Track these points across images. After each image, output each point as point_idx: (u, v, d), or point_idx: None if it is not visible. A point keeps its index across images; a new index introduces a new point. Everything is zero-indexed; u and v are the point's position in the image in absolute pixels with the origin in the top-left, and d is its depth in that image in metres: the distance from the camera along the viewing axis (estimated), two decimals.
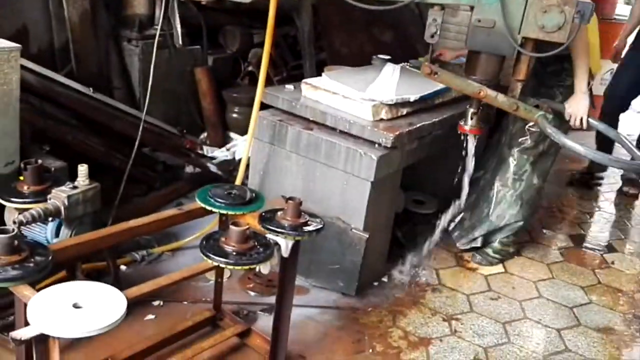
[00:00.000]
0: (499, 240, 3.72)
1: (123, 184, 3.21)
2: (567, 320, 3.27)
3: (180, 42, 3.53)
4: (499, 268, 3.72)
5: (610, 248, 4.18)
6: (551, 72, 3.43)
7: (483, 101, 2.78)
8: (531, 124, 3.33)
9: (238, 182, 3.34)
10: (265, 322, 2.85)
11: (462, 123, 2.91)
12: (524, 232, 3.96)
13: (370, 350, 2.82)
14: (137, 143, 3.24)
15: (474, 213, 3.79)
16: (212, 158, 4.28)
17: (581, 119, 3.19)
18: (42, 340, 1.67)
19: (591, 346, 3.07)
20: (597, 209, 4.84)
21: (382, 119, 3.07)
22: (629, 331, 3.23)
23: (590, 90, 3.29)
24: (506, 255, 3.79)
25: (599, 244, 4.22)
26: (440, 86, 3.43)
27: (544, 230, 4.29)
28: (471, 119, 2.87)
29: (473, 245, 3.77)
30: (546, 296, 3.48)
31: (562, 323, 3.24)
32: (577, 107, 3.20)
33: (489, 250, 3.74)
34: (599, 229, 4.48)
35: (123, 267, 3.13)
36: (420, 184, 4.13)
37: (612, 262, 3.97)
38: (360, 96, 3.06)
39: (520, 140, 3.52)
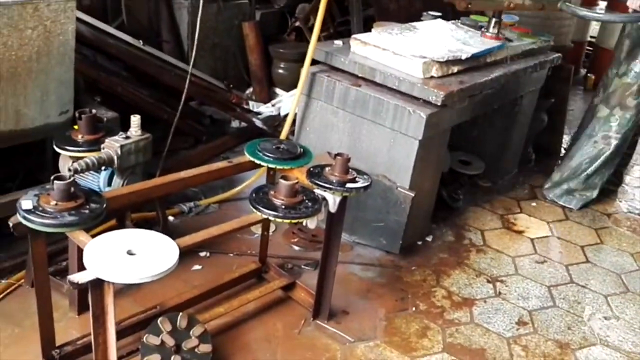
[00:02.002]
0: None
1: (170, 136, 3.24)
2: (614, 287, 3.21)
3: None
4: (545, 231, 3.66)
5: None
6: None
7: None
8: (630, 83, 3.59)
9: (283, 136, 3.35)
10: (309, 277, 2.88)
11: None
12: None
13: (414, 309, 2.83)
14: (184, 96, 3.25)
15: (567, 166, 3.92)
16: (258, 113, 4.29)
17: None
18: (98, 284, 1.73)
19: (639, 314, 3.02)
20: None
21: (432, 77, 3.01)
22: None
23: None
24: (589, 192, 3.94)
25: None
26: (492, 44, 3.35)
27: None
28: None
29: (565, 199, 3.94)
30: (593, 261, 3.42)
31: (610, 289, 3.19)
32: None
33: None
34: None
35: (171, 218, 3.20)
36: (466, 144, 4.07)
37: None
38: (411, 53, 3.00)
39: (619, 99, 3.65)
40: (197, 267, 2.89)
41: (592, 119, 3.85)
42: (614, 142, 3.76)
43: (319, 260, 2.58)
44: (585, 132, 3.89)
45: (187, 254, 2.83)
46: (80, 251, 1.82)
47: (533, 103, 4.03)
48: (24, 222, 1.82)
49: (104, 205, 1.93)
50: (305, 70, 3.18)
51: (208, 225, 2.22)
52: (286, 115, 4.11)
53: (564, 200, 3.95)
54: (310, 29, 4.78)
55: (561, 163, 4.06)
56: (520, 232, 3.63)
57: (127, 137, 2.40)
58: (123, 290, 2.57)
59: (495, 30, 3.44)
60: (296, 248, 3.16)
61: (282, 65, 4.68)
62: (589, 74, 6.57)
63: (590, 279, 3.25)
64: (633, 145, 4.11)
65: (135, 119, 2.44)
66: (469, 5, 3.25)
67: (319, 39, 4.55)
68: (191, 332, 2.20)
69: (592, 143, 3.82)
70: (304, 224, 2.29)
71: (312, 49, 3.18)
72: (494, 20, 3.43)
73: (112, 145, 2.35)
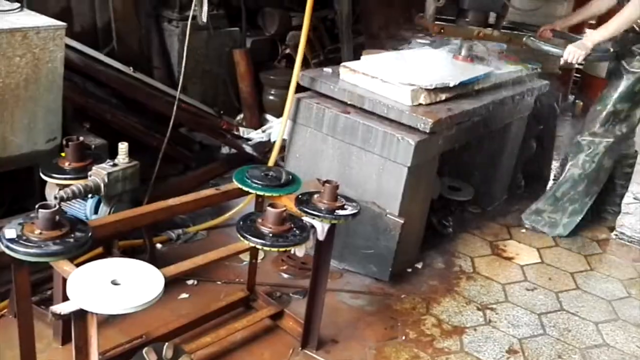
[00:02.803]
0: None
1: (158, 163, 3.22)
2: (605, 314, 3.20)
3: (204, 19, 3.54)
4: (535, 258, 3.66)
5: None
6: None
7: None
8: (599, 110, 3.65)
9: (271, 163, 3.34)
10: (298, 305, 2.86)
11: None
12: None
13: (403, 337, 2.80)
14: (171, 122, 3.22)
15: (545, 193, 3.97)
16: (248, 139, 4.28)
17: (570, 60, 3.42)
18: (81, 315, 1.70)
19: (630, 341, 3.00)
20: (635, 200, 4.70)
21: (420, 104, 3.02)
22: None
23: None
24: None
25: (636, 237, 4.10)
26: (480, 72, 3.38)
27: None
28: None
29: (534, 224, 3.93)
30: (583, 288, 3.41)
31: (600, 316, 3.17)
32: (574, 51, 3.35)
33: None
34: (637, 221, 4.35)
35: (159, 245, 3.17)
36: (456, 171, 4.08)
37: None
38: (399, 80, 3.02)
39: (590, 125, 3.69)
40: (184, 295, 2.86)
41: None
42: (583, 165, 3.74)
43: (308, 288, 2.55)
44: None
45: (174, 282, 2.79)
46: (64, 281, 1.79)
47: (521, 130, 4.05)
48: (7, 251, 1.79)
49: (89, 234, 1.91)
50: (290, 96, 3.20)
51: (196, 253, 2.21)
52: (274, 142, 4.13)
53: (531, 221, 3.94)
54: None
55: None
56: (510, 259, 3.62)
57: (115, 165, 2.38)
58: (108, 320, 2.53)
59: (466, 54, 3.53)
60: (285, 276, 3.14)
61: (272, 92, 4.70)
62: (577, 101, 6.64)
63: (580, 306, 3.24)
64: (625, 176, 4.09)
65: (122, 147, 2.43)
66: (442, 31, 3.49)
67: (309, 66, 4.61)
68: None
69: (565, 167, 3.86)
70: (292, 252, 2.28)
71: (296, 75, 3.22)
72: (465, 44, 3.55)
73: (99, 173, 2.33)
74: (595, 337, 3.00)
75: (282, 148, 3.37)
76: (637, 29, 3.43)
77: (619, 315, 3.21)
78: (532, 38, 3.63)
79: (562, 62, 3.56)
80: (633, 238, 4.07)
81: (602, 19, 3.76)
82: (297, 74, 3.22)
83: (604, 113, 3.63)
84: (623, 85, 3.55)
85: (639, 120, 3.71)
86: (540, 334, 2.97)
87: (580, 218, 3.88)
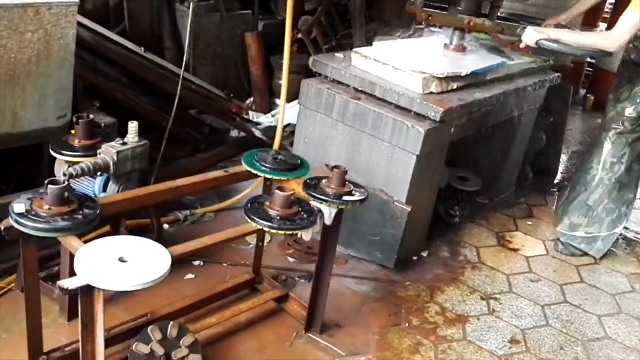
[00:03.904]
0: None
1: (164, 143, 3.20)
2: (608, 308, 3.20)
3: None
4: (541, 250, 3.65)
5: None
6: None
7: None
8: (626, 108, 3.46)
9: (276, 147, 3.34)
10: (303, 289, 2.87)
11: None
12: None
13: (407, 324, 2.81)
14: (176, 100, 3.18)
15: (569, 197, 3.73)
16: (258, 123, 4.28)
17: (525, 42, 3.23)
18: (88, 291, 1.72)
19: (632, 335, 3.00)
20: None
21: (432, 92, 3.01)
22: None
23: None
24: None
25: None
26: (493, 62, 3.35)
27: None
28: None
29: (570, 241, 3.64)
30: (588, 282, 3.41)
31: (604, 310, 3.17)
32: (531, 32, 3.16)
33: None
34: None
35: (166, 226, 3.18)
36: (465, 161, 4.07)
37: None
38: (411, 68, 3.00)
39: (615, 125, 3.51)
40: (190, 276, 2.88)
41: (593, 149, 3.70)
42: (612, 169, 3.53)
43: (314, 272, 2.56)
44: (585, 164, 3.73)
45: (180, 263, 2.81)
46: (72, 257, 1.80)
47: (532, 122, 4.03)
48: (16, 225, 1.80)
49: (98, 212, 1.92)
50: (285, 79, 3.29)
51: (203, 235, 2.21)
52: (286, 126, 4.12)
53: (567, 238, 3.64)
54: (313, 41, 4.80)
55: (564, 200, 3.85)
56: (515, 250, 3.61)
57: (124, 144, 2.39)
58: (114, 298, 2.55)
59: (459, 44, 3.36)
60: (291, 260, 3.14)
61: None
62: (588, 95, 6.59)
63: (584, 299, 3.24)
64: None
65: (132, 126, 2.43)
66: (430, 18, 3.29)
67: (321, 52, 4.59)
68: (181, 342, 2.18)
69: (587, 169, 3.65)
70: (299, 235, 2.28)
71: (287, 58, 3.35)
72: (457, 33, 3.36)
73: (108, 151, 2.34)
74: (598, 330, 3.01)
75: (292, 133, 3.36)
76: None
77: (623, 309, 3.21)
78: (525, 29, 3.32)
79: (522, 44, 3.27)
80: (639, 233, 4.05)
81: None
82: (288, 56, 3.32)
83: (636, 112, 3.44)
84: None
85: None
86: (543, 325, 2.97)
87: (620, 231, 3.69)
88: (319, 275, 2.53)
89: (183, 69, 3.30)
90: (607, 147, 3.55)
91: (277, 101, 4.71)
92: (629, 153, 3.53)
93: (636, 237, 4.00)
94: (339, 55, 3.34)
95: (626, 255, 3.76)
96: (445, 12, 3.49)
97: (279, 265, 3.07)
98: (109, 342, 2.02)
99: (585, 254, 3.61)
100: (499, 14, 3.68)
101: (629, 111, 3.45)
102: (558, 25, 3.60)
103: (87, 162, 2.29)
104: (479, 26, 3.32)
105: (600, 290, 3.35)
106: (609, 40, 3.05)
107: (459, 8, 3.44)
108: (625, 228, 4.03)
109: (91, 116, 2.44)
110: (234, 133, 4.31)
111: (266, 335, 2.59)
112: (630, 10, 2.95)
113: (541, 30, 3.20)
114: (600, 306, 3.20)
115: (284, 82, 3.24)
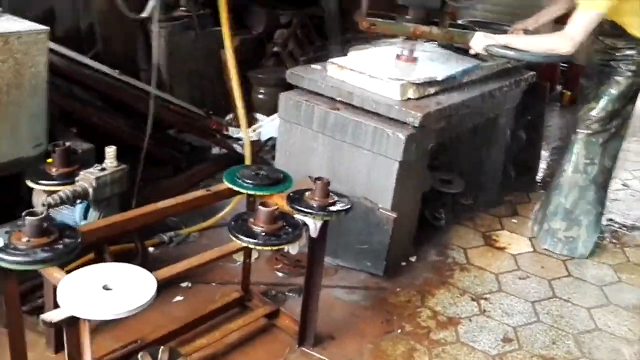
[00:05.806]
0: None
1: (141, 164, 3.16)
2: (596, 299, 3.22)
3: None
4: (527, 247, 3.67)
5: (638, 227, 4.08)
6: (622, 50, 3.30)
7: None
8: (593, 108, 3.37)
9: (247, 162, 3.32)
10: (293, 303, 2.85)
11: None
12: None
13: (399, 330, 2.80)
14: (149, 120, 3.12)
15: (546, 202, 3.69)
16: (238, 139, 4.26)
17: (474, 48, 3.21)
18: (73, 322, 1.68)
19: (621, 325, 3.02)
20: (623, 186, 4.71)
21: (409, 98, 3.01)
22: None
23: None
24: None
25: (626, 223, 4.12)
26: (467, 65, 3.37)
27: None
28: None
29: (552, 248, 3.62)
30: (575, 275, 3.42)
31: (592, 302, 3.19)
32: (479, 38, 3.15)
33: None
34: (626, 207, 4.36)
35: (151, 249, 3.15)
36: (446, 163, 4.08)
37: None
38: (387, 75, 3.01)
39: (585, 126, 3.44)
40: (178, 298, 2.85)
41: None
42: (585, 169, 3.48)
43: (303, 285, 2.55)
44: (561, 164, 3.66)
45: (167, 286, 2.78)
46: (55, 288, 1.77)
47: (510, 121, 4.05)
48: None
49: (79, 240, 1.89)
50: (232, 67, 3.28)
51: (189, 255, 2.19)
52: (268, 140, 4.11)
53: (548, 244, 3.64)
54: (289, 54, 4.81)
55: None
56: (502, 249, 3.63)
57: (103, 169, 2.36)
58: (101, 327, 2.50)
59: (408, 53, 3.27)
60: (280, 274, 3.13)
61: (261, 91, 4.69)
62: (564, 90, 6.65)
63: (572, 293, 3.26)
64: None
65: (110, 150, 2.41)
66: (373, 26, 3.19)
67: (298, 63, 4.60)
68: None
69: (562, 174, 3.58)
70: (285, 250, 2.27)
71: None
72: (406, 44, 3.30)
73: (87, 178, 2.31)
74: (588, 322, 3.02)
75: (273, 147, 3.35)
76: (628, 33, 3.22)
77: (610, 300, 3.23)
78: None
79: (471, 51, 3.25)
80: (623, 224, 4.08)
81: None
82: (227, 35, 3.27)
83: (603, 111, 3.37)
84: (622, 84, 3.31)
85: (630, 115, 3.49)
86: (534, 322, 2.98)
87: (598, 234, 3.66)
88: (309, 288, 2.51)
89: (153, 86, 3.25)
90: (579, 148, 3.48)
91: (257, 115, 4.71)
92: (601, 153, 3.46)
93: (620, 228, 4.02)
94: (316, 66, 3.34)
95: (611, 246, 3.78)
96: (391, 21, 3.33)
97: (268, 280, 3.05)
98: None
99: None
100: (459, 22, 3.66)
101: (596, 111, 3.37)
102: (526, 31, 3.55)
103: (65, 190, 2.26)
104: (426, 34, 3.25)
105: (587, 282, 3.37)
106: (562, 42, 2.99)
107: (407, 17, 3.30)
108: (610, 219, 4.07)
109: (67, 143, 2.41)
110: (215, 150, 4.29)
111: (258, 353, 2.56)
112: (582, 10, 2.93)
113: (490, 36, 3.15)
114: (589, 298, 3.22)
115: (234, 86, 3.19)
